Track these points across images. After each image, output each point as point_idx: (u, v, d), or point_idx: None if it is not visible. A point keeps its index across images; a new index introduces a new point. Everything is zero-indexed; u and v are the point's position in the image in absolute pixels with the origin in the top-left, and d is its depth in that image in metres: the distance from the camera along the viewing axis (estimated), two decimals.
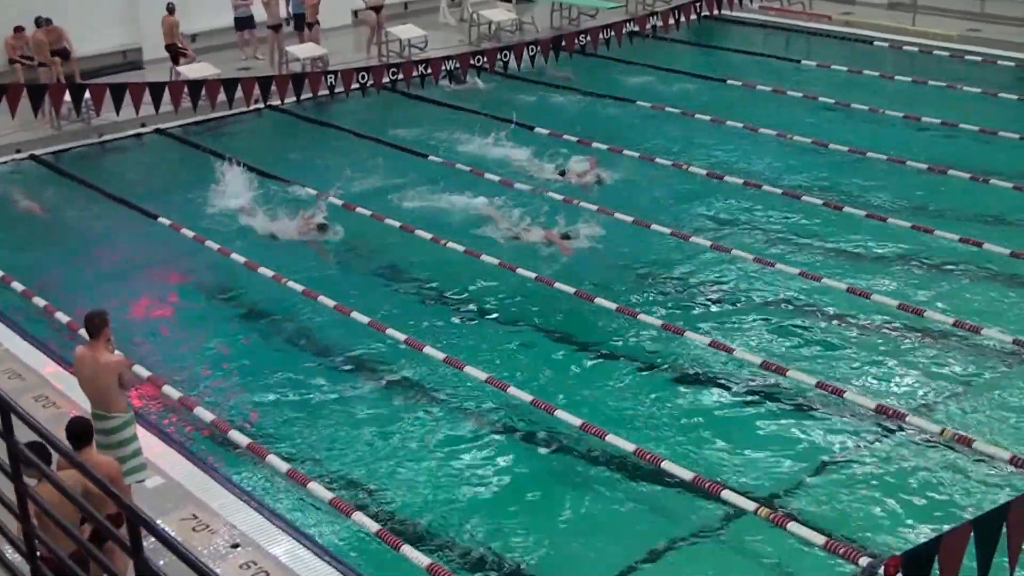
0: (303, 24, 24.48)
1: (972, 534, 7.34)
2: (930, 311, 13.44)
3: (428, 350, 12.94)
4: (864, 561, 8.44)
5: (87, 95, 19.41)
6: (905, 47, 24.90)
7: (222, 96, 19.18)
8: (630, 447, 10.98)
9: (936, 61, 23.89)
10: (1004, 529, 7.49)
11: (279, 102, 20.12)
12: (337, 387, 12.67)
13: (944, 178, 17.59)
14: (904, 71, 23.03)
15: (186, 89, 19.07)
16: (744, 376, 12.48)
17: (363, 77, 20.21)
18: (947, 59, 23.93)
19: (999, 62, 23.44)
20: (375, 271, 15.50)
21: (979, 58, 23.71)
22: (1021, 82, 22.33)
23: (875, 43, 25.37)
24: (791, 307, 14.00)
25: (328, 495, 10.50)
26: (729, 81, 22.92)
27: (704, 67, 24.20)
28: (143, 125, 20.85)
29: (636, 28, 23.81)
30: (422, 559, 9.53)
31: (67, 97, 19.59)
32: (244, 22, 24.57)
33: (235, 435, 11.53)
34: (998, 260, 14.79)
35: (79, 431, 8.54)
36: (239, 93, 19.30)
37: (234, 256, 15.62)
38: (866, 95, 21.52)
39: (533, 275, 14.74)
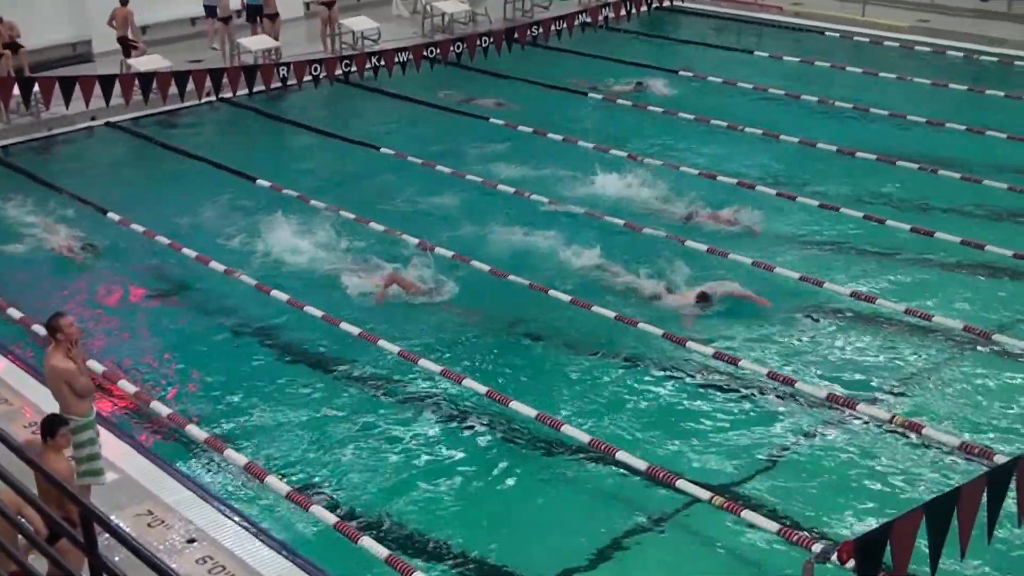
0: (256, 16, 24.29)
1: (924, 518, 7.44)
2: (882, 299, 13.58)
3: (382, 343, 12.93)
4: (817, 548, 8.52)
5: (36, 88, 19.19)
6: (856, 37, 25.10)
7: (174, 89, 19.04)
8: (585, 438, 11.04)
9: (886, 52, 24.10)
10: (955, 513, 7.59)
11: (231, 94, 19.97)
12: (293, 381, 12.64)
13: (894, 168, 17.76)
14: (855, 62, 23.22)
15: (137, 82, 18.90)
16: (697, 366, 12.54)
17: (315, 69, 20.12)
18: (897, 49, 24.15)
19: (948, 52, 23.68)
20: (325, 260, 15.43)
21: (929, 48, 23.95)
22: (970, 72, 22.57)
23: (826, 33, 25.56)
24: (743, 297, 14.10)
25: (286, 488, 10.48)
26: (681, 72, 23.01)
27: (656, 58, 24.26)
28: (93, 118, 20.67)
29: (588, 19, 23.85)
30: (381, 551, 9.54)
31: (16, 91, 19.37)
32: (212, 10, 24.34)
33: (193, 430, 11.47)
34: (949, 248, 14.96)
35: (48, 427, 8.96)
36: (191, 86, 19.15)
37: (185, 251, 15.51)
38: (817, 86, 21.68)
39: (487, 267, 14.78)
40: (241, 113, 21.62)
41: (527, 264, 14.89)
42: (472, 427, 11.73)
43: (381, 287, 14.22)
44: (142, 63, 21.76)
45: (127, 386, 12.30)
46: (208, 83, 19.21)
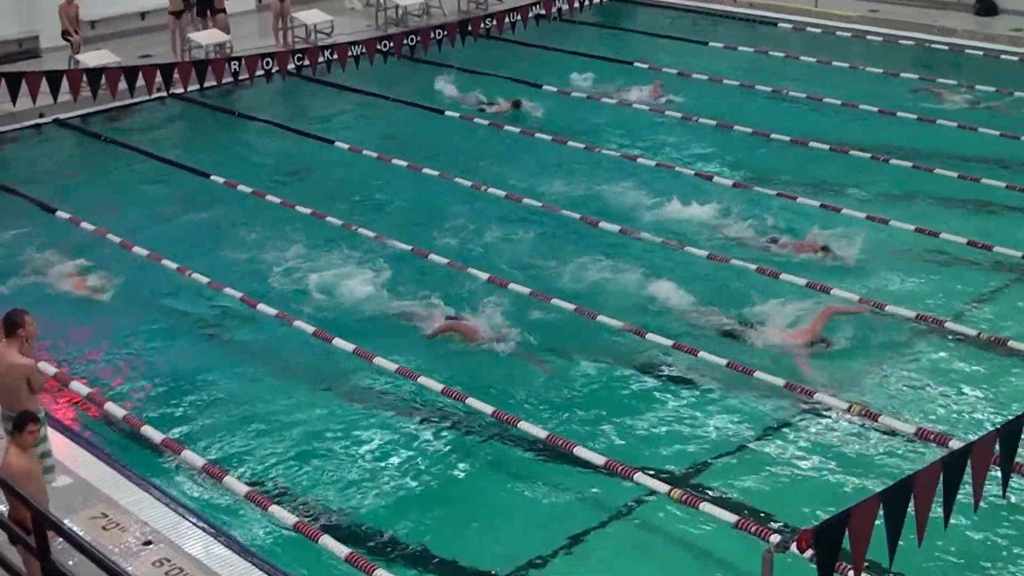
0: (205, 10, 24.06)
1: (881, 505, 7.47)
2: (837, 289, 13.65)
3: (337, 342, 12.84)
4: (775, 538, 8.54)
5: None
6: (808, 28, 25.22)
7: (123, 84, 18.82)
8: (542, 433, 11.01)
9: (838, 42, 24.23)
10: (911, 499, 7.64)
11: (182, 90, 19.78)
12: (247, 379, 12.55)
13: (846, 157, 17.87)
14: (807, 52, 23.33)
15: (85, 78, 18.68)
16: (655, 359, 12.54)
17: (267, 63, 19.96)
18: (849, 40, 24.29)
19: (900, 42, 23.85)
20: (280, 256, 15.35)
21: (880, 39, 24.11)
22: (921, 62, 22.74)
23: (779, 25, 25.66)
24: (701, 288, 14.10)
25: (244, 489, 10.39)
26: (636, 64, 23.02)
27: (610, 50, 24.26)
28: (41, 115, 20.37)
29: (542, 11, 23.82)
30: (341, 550, 9.46)
31: None
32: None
33: (148, 431, 11.34)
34: (903, 236, 15.06)
35: (18, 422, 8.81)
36: (140, 81, 18.94)
37: (136, 249, 15.33)
38: (770, 76, 21.76)
39: (445, 260, 14.71)
40: (192, 109, 21.41)
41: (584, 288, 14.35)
42: (430, 425, 11.68)
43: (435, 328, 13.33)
44: (90, 58, 21.48)
45: (79, 387, 12.13)
46: (158, 78, 19.01)
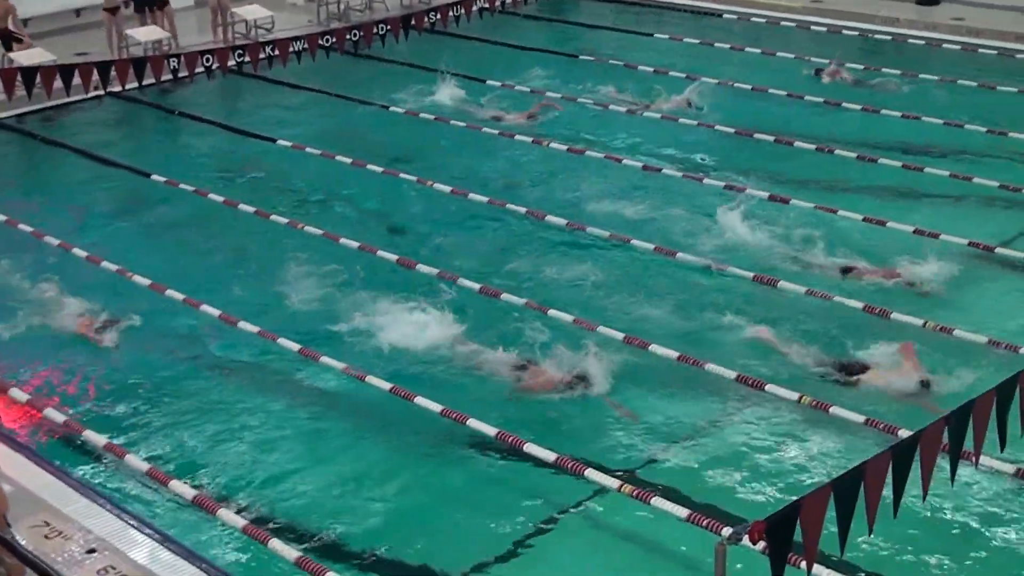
0: (143, 7, 23.72)
1: (831, 495, 7.48)
2: (784, 282, 13.66)
3: (283, 341, 12.68)
4: (727, 531, 8.52)
5: None
6: (753, 18, 25.32)
7: (59, 83, 18.52)
8: (492, 431, 10.92)
9: (783, 32, 24.35)
10: (862, 489, 7.64)
11: (120, 88, 19.49)
12: (191, 381, 12.36)
13: (791, 148, 17.93)
14: (753, 43, 23.40)
15: (19, 76, 18.35)
16: (604, 353, 12.49)
17: (207, 60, 19.72)
18: (794, 30, 24.42)
19: (844, 32, 24.00)
20: (223, 255, 15.20)
21: (824, 28, 24.25)
22: (865, 52, 22.89)
23: (724, 15, 25.74)
24: (652, 282, 14.08)
25: (191, 492, 10.24)
26: (582, 57, 22.98)
27: (555, 43, 24.22)
28: None
29: (486, 4, 23.74)
30: (291, 553, 9.36)
31: None
32: None
33: (90, 436, 11.15)
34: (849, 227, 15.10)
35: None
36: (77, 80, 18.64)
37: (76, 251, 15.08)
38: (716, 67, 21.79)
39: (395, 257, 14.60)
40: (131, 107, 21.10)
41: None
42: (377, 424, 11.57)
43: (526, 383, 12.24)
44: (24, 57, 21.11)
45: (18, 394, 11.90)
46: (95, 77, 18.72)
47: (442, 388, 11.84)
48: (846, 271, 14.09)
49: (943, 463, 8.44)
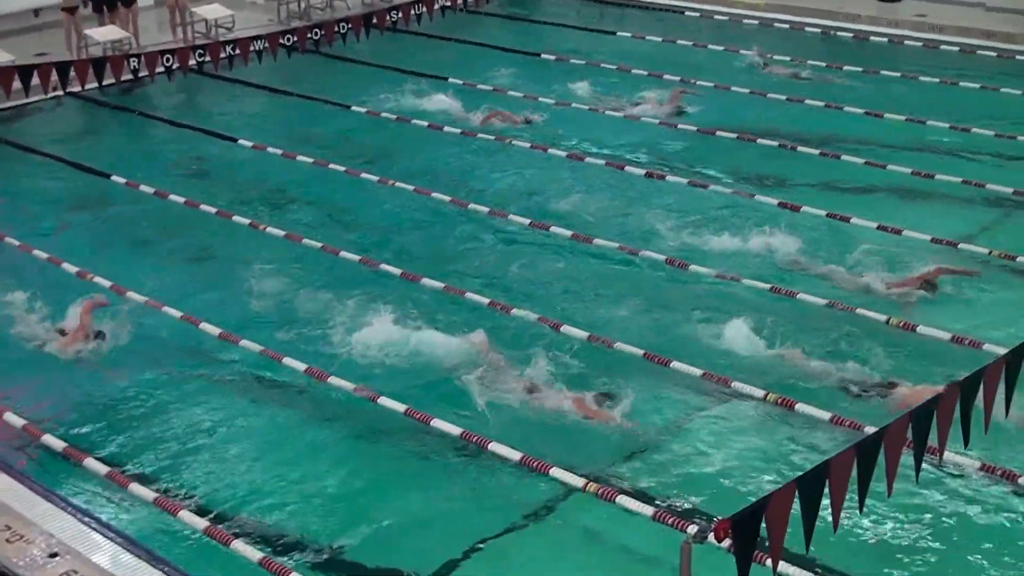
0: (102, 6, 23.49)
1: (796, 493, 7.48)
2: (747, 278, 13.69)
3: (244, 343, 12.59)
4: (692, 529, 8.52)
5: None
6: (716, 16, 25.39)
7: (17, 84, 18.34)
8: (456, 431, 10.87)
9: (745, 30, 24.43)
10: (826, 486, 7.65)
11: (80, 88, 19.31)
12: (151, 382, 12.23)
13: (754, 145, 17.98)
14: (715, 41, 23.46)
15: None
16: (566, 350, 12.47)
17: (168, 60, 19.57)
18: (756, 27, 24.50)
19: (806, 29, 24.12)
20: (185, 257, 15.10)
21: (787, 26, 24.35)
22: (827, 48, 23.00)
23: (686, 13, 25.79)
24: (613, 279, 14.09)
25: (151, 495, 10.14)
26: (543, 56, 22.97)
27: (517, 41, 24.18)
28: None
29: (448, 2, 23.70)
30: (254, 554, 9.30)
31: None
32: None
33: (49, 440, 11.03)
34: (812, 221, 15.18)
35: None
36: (36, 80, 18.45)
37: (36, 252, 14.92)
38: (679, 66, 21.82)
39: (357, 257, 14.52)
40: (91, 107, 20.90)
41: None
42: (340, 424, 11.51)
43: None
44: None
45: None
46: (54, 77, 18.55)
47: (406, 388, 11.77)
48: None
49: (910, 459, 8.48)
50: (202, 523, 9.75)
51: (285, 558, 9.45)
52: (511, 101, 20.41)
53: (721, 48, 22.88)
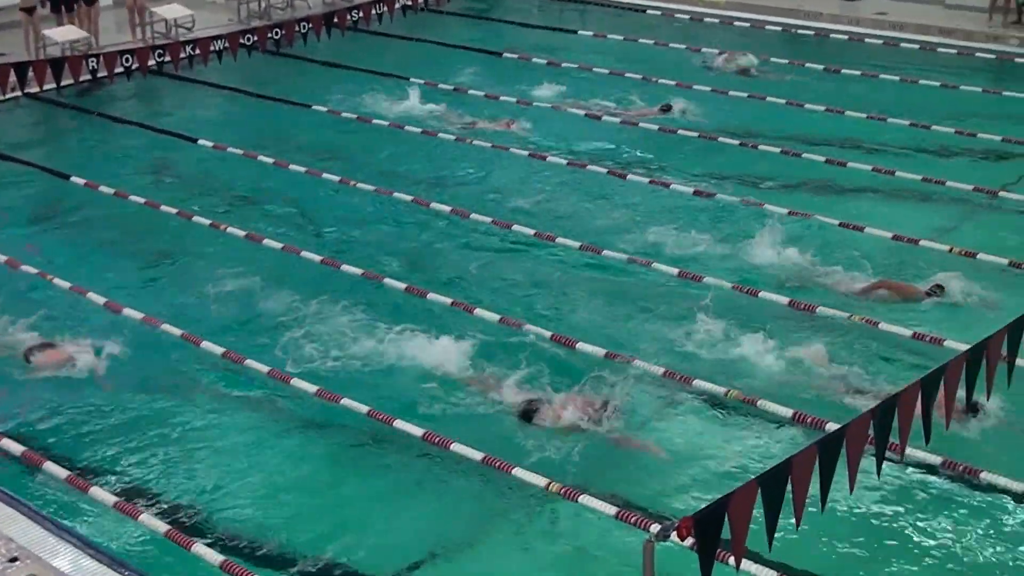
0: (60, 6, 23.25)
1: (759, 490, 7.49)
2: (709, 277, 13.70)
3: (205, 344, 12.49)
4: (655, 528, 8.51)
5: None
6: (677, 15, 25.44)
7: None
8: (418, 431, 10.83)
9: (707, 28, 24.52)
10: (789, 483, 7.66)
11: (38, 89, 19.13)
12: (111, 385, 12.08)
13: (715, 143, 18.03)
14: (677, 39, 23.52)
15: None
16: (528, 351, 12.44)
17: (127, 60, 19.41)
18: (718, 26, 24.58)
19: (767, 27, 24.22)
20: (145, 258, 14.97)
21: (748, 24, 24.44)
22: (788, 46, 23.10)
23: (648, 11, 25.84)
24: (575, 279, 14.07)
25: (112, 499, 10.05)
26: (505, 55, 22.94)
27: (478, 40, 24.16)
28: None
29: (409, 2, 23.65)
30: (215, 557, 9.23)
31: None
32: None
33: (7, 444, 10.90)
34: (775, 218, 15.13)
35: None
36: None
37: None
38: (640, 64, 21.86)
39: (319, 258, 14.45)
40: (49, 108, 20.67)
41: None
42: (301, 426, 11.42)
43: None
44: None
45: None
46: (12, 78, 18.37)
47: (368, 389, 11.71)
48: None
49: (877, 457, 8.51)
50: (163, 527, 9.66)
51: (246, 561, 9.37)
52: (472, 100, 20.36)
53: (682, 47, 22.90)
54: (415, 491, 10.46)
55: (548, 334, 12.53)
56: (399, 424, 10.94)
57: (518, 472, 10.12)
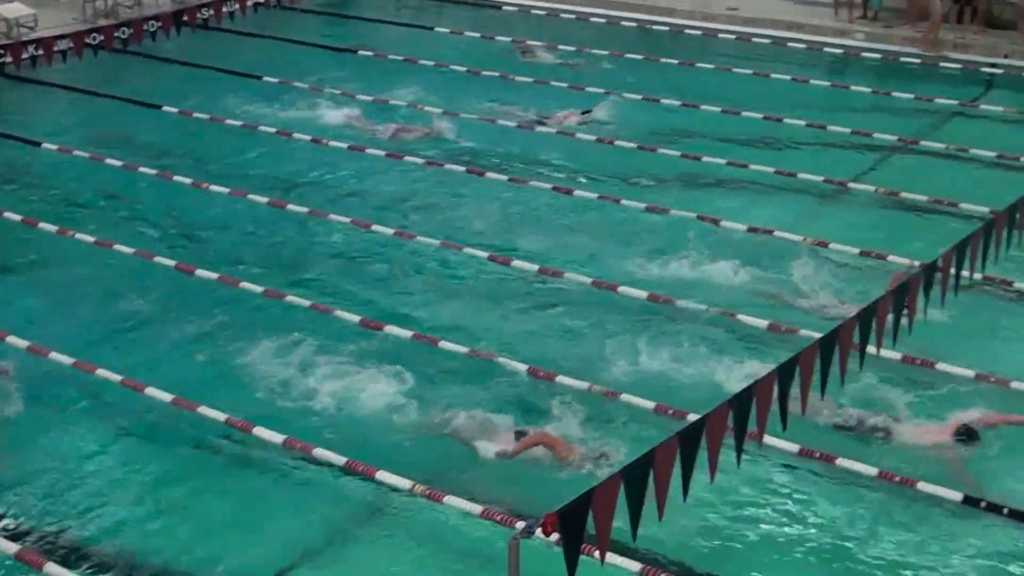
0: None
1: (622, 483, 7.47)
2: (568, 272, 13.70)
3: (54, 355, 12.01)
4: (520, 525, 8.45)
5: None
6: (533, 11, 25.50)
7: None
8: (279, 438, 10.61)
9: (565, 24, 24.61)
10: (651, 475, 7.66)
11: None
12: None
13: (572, 140, 18.10)
14: (534, 35, 23.55)
15: None
16: (390, 352, 12.27)
17: None
18: (574, 21, 24.69)
19: (623, 23, 24.43)
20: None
21: (603, 20, 24.61)
22: (643, 42, 23.31)
23: (504, 8, 25.83)
24: (486, 284, 13.94)
25: None
26: (360, 52, 22.69)
27: (333, 38, 23.86)
28: None
29: None
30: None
31: None
32: None
33: None
34: (626, 212, 15.35)
35: None
36: None
37: None
38: (498, 63, 21.83)
39: (173, 263, 14.07)
40: None
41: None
42: (160, 436, 11.09)
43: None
44: None
45: None
46: None
47: (225, 395, 11.44)
48: None
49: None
50: (13, 547, 9.33)
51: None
52: (329, 97, 20.07)
53: (541, 43, 22.95)
54: (278, 496, 10.26)
55: (410, 334, 12.42)
56: (258, 431, 10.69)
57: (382, 475, 9.99)
